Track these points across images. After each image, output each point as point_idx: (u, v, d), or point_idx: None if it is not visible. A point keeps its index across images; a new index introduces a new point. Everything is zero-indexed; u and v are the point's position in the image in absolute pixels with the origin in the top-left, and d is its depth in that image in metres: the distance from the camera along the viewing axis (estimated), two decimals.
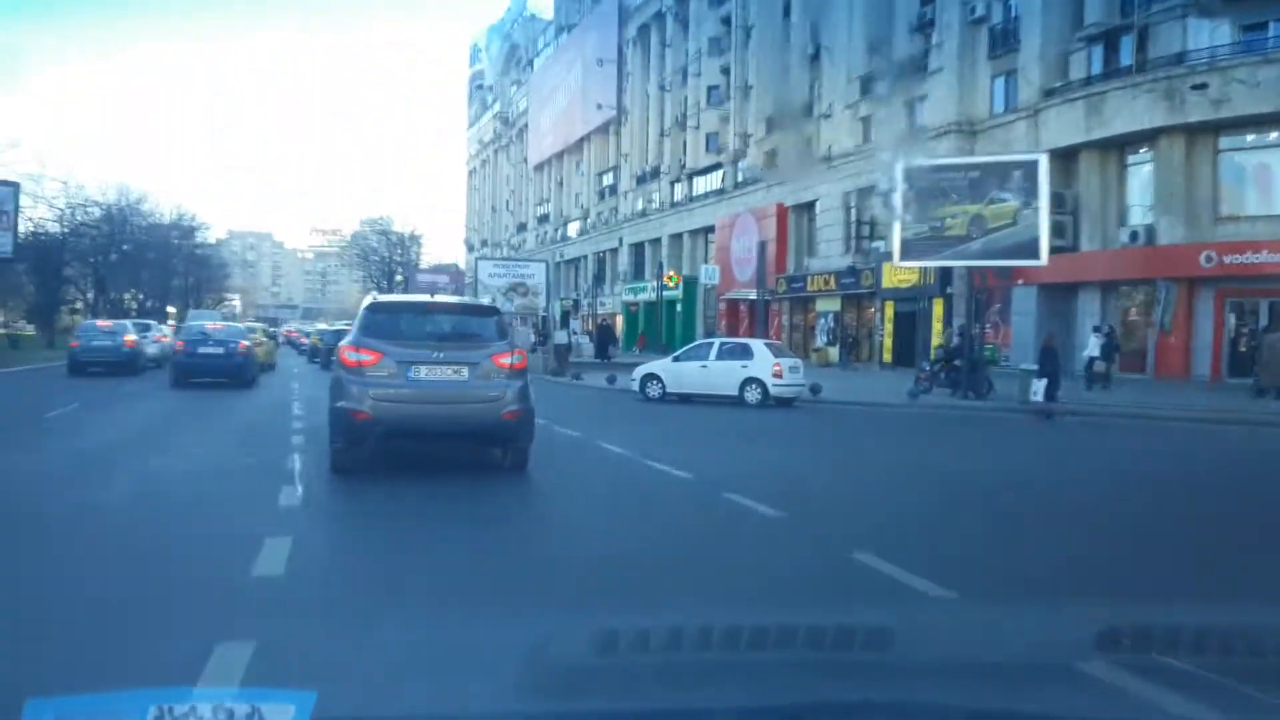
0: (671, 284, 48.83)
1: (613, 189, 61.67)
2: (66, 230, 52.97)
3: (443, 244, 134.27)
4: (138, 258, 61.34)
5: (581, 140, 66.20)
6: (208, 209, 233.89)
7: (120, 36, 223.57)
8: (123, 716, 1.90)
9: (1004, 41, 32.60)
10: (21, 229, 47.71)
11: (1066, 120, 29.18)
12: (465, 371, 9.25)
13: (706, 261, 49.42)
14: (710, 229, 48.56)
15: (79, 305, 60.92)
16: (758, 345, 20.30)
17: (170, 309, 71.43)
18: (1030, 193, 20.67)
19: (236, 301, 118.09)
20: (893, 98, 35.62)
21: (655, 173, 55.14)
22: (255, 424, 14.54)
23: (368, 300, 10.72)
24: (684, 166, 51.87)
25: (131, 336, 26.27)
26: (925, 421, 18.30)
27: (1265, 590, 5.51)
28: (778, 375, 19.23)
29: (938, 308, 33.44)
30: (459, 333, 9.79)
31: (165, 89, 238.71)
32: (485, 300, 45.42)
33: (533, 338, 34.74)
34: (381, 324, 9.61)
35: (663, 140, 54.54)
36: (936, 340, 25.50)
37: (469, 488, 9.18)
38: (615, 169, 61.24)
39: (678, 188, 52.94)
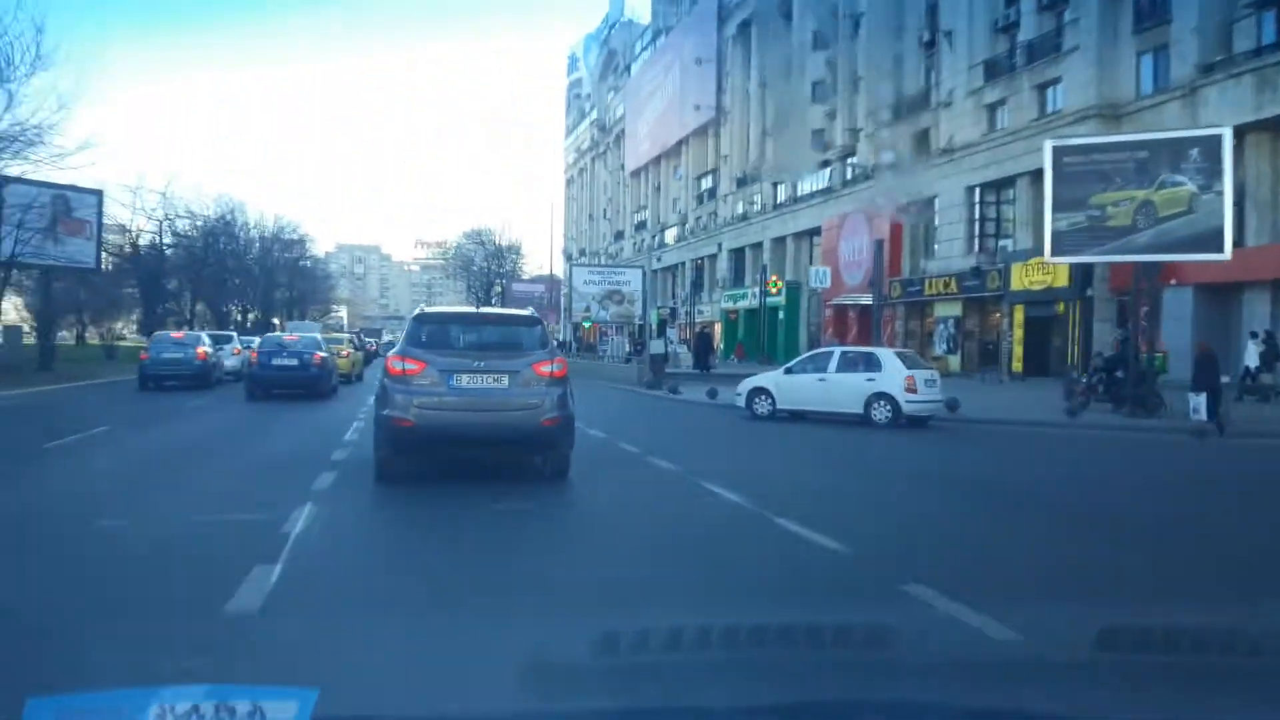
0: (774, 290, 46.14)
1: (711, 193, 59.21)
2: (166, 242, 52.96)
3: (542, 254, 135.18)
4: (236, 269, 61.11)
5: (679, 144, 63.98)
6: (318, 224, 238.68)
7: (232, 59, 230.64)
8: (124, 715, 1.90)
9: (1151, 14, 29.13)
10: (118, 240, 47.79)
11: (1231, 98, 25.62)
12: (506, 380, 9.38)
13: (812, 265, 46.59)
14: (815, 231, 45.71)
15: (187, 317, 61.32)
16: (886, 355, 17.50)
17: (276, 320, 71.54)
18: (1210, 174, 17.42)
19: (343, 313, 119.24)
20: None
21: (755, 175, 52.47)
22: (292, 451, 12.07)
23: (415, 312, 10.89)
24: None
25: (204, 349, 24.79)
26: (1099, 447, 15.29)
27: None
28: (911, 390, 16.43)
29: (1075, 312, 30.11)
30: (501, 342, 9.88)
31: (277, 110, 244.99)
32: (581, 308, 44.14)
33: (628, 347, 32.56)
34: (426, 334, 9.82)
35: (764, 140, 51.86)
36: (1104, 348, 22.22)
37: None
38: (714, 172, 58.79)
39: (780, 189, 50.20)
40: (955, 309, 36.29)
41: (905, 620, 4.67)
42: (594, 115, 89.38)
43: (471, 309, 12.81)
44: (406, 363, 9.42)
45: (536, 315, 11.23)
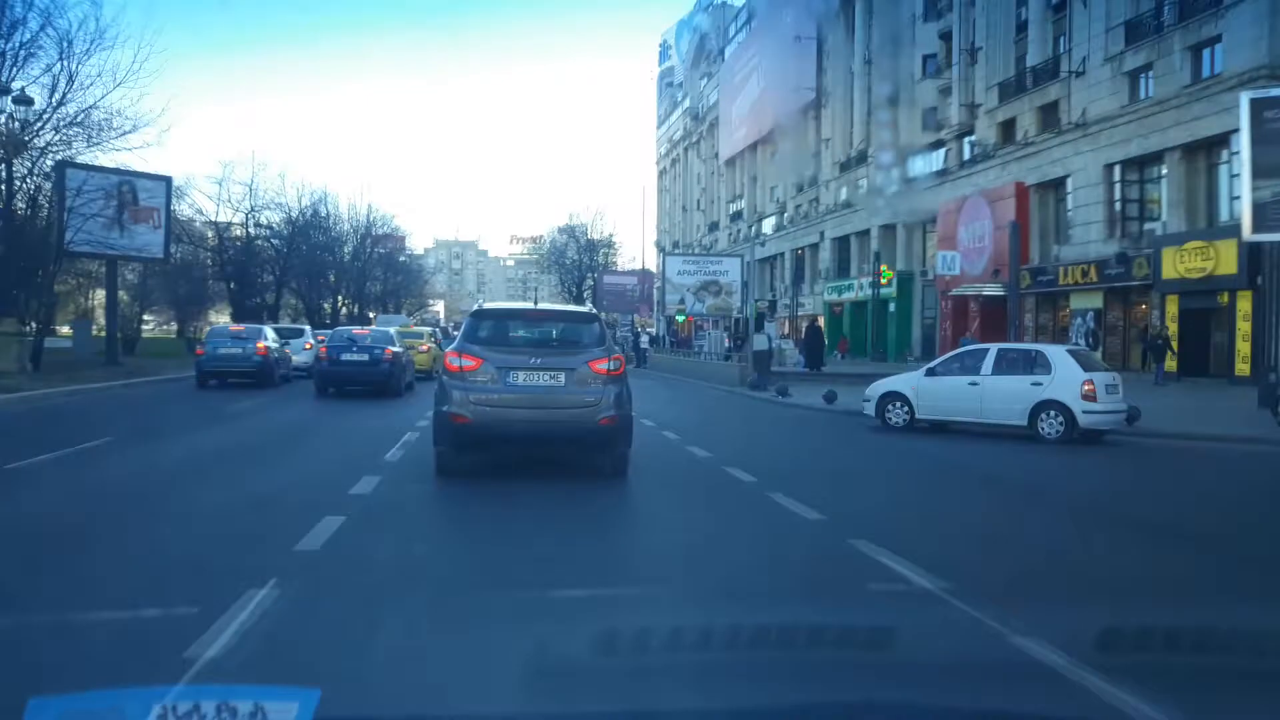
0: (884, 280, 42.76)
1: (813, 179, 55.86)
2: (252, 233, 51.90)
3: (634, 247, 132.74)
4: (328, 262, 60.02)
5: (777, 128, 60.72)
6: (417, 221, 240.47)
7: (326, 64, 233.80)
8: (126, 715, 1.88)
9: None
10: (204, 231, 46.77)
11: None
12: (562, 377, 9.29)
13: (926, 254, 43.11)
14: (929, 217, 42.14)
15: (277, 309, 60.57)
16: (1058, 353, 14.32)
17: (371, 314, 70.61)
18: None
19: (439, 307, 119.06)
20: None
21: (862, 157, 49.02)
22: (305, 485, 9.19)
23: (473, 308, 10.73)
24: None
25: (265, 343, 22.74)
26: None
27: None
28: (1090, 397, 13.31)
29: (1243, 303, 26.22)
30: (558, 339, 9.93)
31: (373, 111, 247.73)
32: (674, 301, 41.52)
33: (726, 343, 29.75)
34: (484, 331, 9.78)
35: (870, 120, 48.39)
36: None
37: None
38: (815, 156, 55.42)
39: (891, 173, 46.66)
40: (1094, 300, 32.52)
41: None
42: (686, 103, 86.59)
43: (529, 305, 12.12)
44: (464, 359, 9.35)
45: (594, 312, 10.94)
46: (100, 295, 56.37)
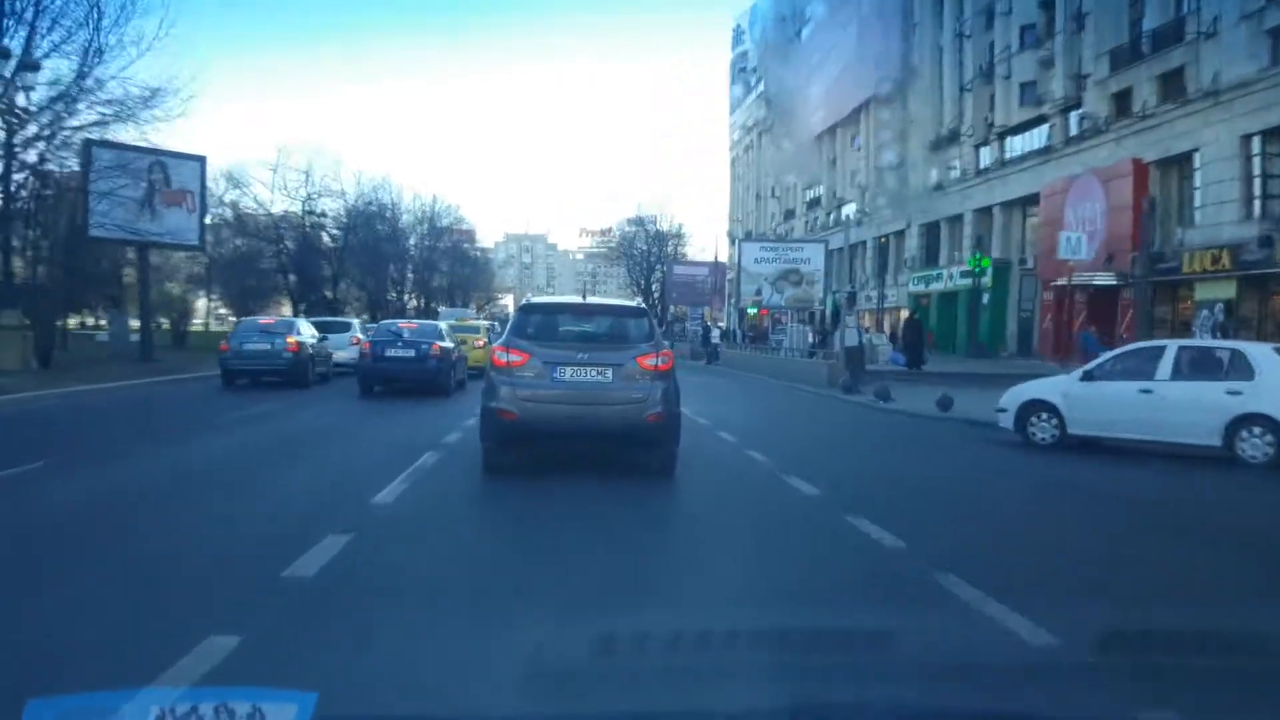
0: (978, 270, 39.33)
1: (898, 161, 52.45)
2: (308, 223, 50.33)
3: (705, 238, 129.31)
4: (390, 253, 58.27)
5: (858, 110, 57.36)
6: (487, 215, 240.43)
7: (392, 57, 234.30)
8: (124, 717, 1.86)
9: None
10: (258, 216, 45.15)
11: None
12: (609, 373, 9.21)
13: (1025, 240, 39.69)
14: (1031, 199, 38.65)
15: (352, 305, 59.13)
16: (1263, 355, 11.28)
17: (441, 308, 68.97)
18: None
19: (508, 301, 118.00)
20: None
21: (953, 136, 45.58)
22: (239, 558, 6.57)
23: (521, 302, 11.29)
24: (991, 126, 42.10)
25: (296, 338, 20.64)
26: None
27: None
28: None
29: None
30: (606, 334, 9.83)
31: (441, 105, 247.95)
32: (750, 291, 38.60)
33: (810, 338, 26.83)
34: (531, 325, 9.69)
35: (962, 98, 44.94)
36: None
37: None
38: (900, 138, 51.98)
39: (984, 152, 43.23)
40: (1225, 290, 28.89)
41: None
42: (761, 88, 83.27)
43: (577, 299, 11.67)
44: (511, 354, 9.29)
45: (643, 307, 10.75)
46: (173, 288, 55.49)
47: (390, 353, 19.34)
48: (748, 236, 77.86)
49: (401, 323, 22.02)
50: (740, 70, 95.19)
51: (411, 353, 19.26)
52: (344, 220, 50.53)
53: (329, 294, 57.13)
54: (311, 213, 47.29)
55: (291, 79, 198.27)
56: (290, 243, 47.22)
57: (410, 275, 75.16)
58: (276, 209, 45.87)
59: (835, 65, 60.45)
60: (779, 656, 3.71)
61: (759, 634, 4.04)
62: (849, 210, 60.09)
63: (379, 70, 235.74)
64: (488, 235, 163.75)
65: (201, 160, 28.25)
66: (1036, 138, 38.98)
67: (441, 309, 57.89)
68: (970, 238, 42.44)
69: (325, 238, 50.20)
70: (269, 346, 20.08)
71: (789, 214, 72.97)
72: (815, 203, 66.71)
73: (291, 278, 49.29)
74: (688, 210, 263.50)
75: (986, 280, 39.81)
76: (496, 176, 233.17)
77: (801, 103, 67.27)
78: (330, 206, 49.80)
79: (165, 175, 25.79)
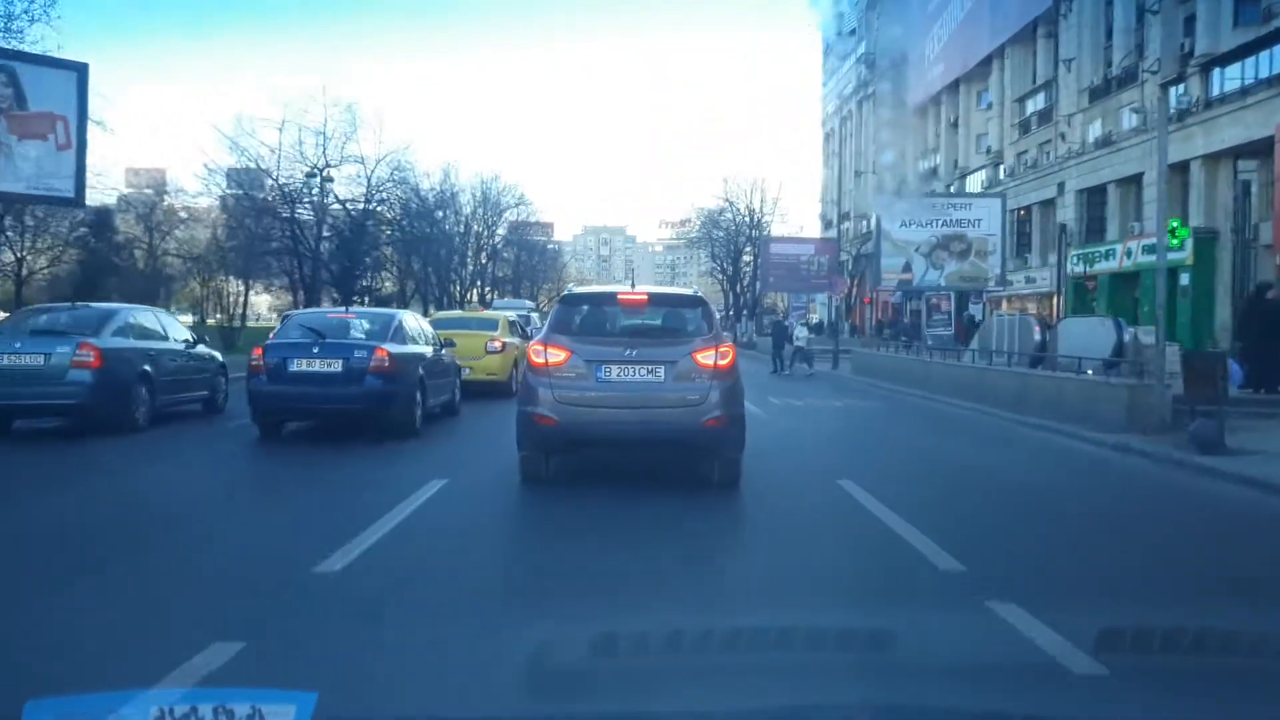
0: (1175, 242, 29.65)
1: (1045, 115, 42.78)
2: (360, 213, 43.09)
3: (794, 223, 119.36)
4: (424, 235, 50.39)
5: (989, 59, 47.75)
6: (565, 209, 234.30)
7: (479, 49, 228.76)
8: (123, 718, 1.83)
9: None
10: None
11: None
12: (661, 371, 8.42)
13: (1249, 205, 29.94)
14: (1252, 148, 28.91)
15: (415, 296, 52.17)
16: None
17: (497, 300, 61.17)
18: None
19: None
20: None
21: (1130, 76, 35.80)
22: None
23: (563, 292, 9.90)
24: (1189, 56, 32.34)
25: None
26: None
27: None
28: None
29: None
30: (658, 327, 9.28)
31: (517, 96, 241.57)
32: (894, 266, 29.35)
33: (1037, 335, 17.58)
34: (573, 318, 8.97)
35: (1141, 24, 35.20)
36: None
37: None
38: (1048, 86, 42.32)
39: (1175, 92, 33.40)
40: None
41: None
42: (861, 49, 73.60)
43: (625, 288, 9.79)
44: (549, 351, 8.48)
45: (699, 294, 9.38)
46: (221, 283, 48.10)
47: (297, 366, 11.54)
48: (844, 219, 67.91)
49: (332, 313, 13.87)
50: (837, 34, 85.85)
51: (334, 366, 11.50)
52: (364, 194, 42.38)
53: (370, 282, 49.66)
54: (329, 180, 39.29)
55: (346, 56, 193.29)
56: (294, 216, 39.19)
57: (470, 263, 67.32)
58: (285, 176, 38.24)
59: (959, 8, 50.96)
60: None
61: None
62: (974, 181, 50.64)
63: (454, 59, 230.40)
64: (567, 230, 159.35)
65: (79, 71, 18.73)
66: (1261, 64, 29.18)
67: (495, 301, 49.72)
68: (1153, 201, 32.71)
69: (340, 212, 42.28)
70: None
71: (898, 189, 63.30)
72: (932, 173, 57.07)
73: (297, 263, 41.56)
74: (775, 197, 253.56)
75: (1185, 255, 30.17)
76: (575, 170, 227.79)
77: (916, 58, 57.65)
78: (346, 176, 41.67)
79: (17, 91, 17.37)
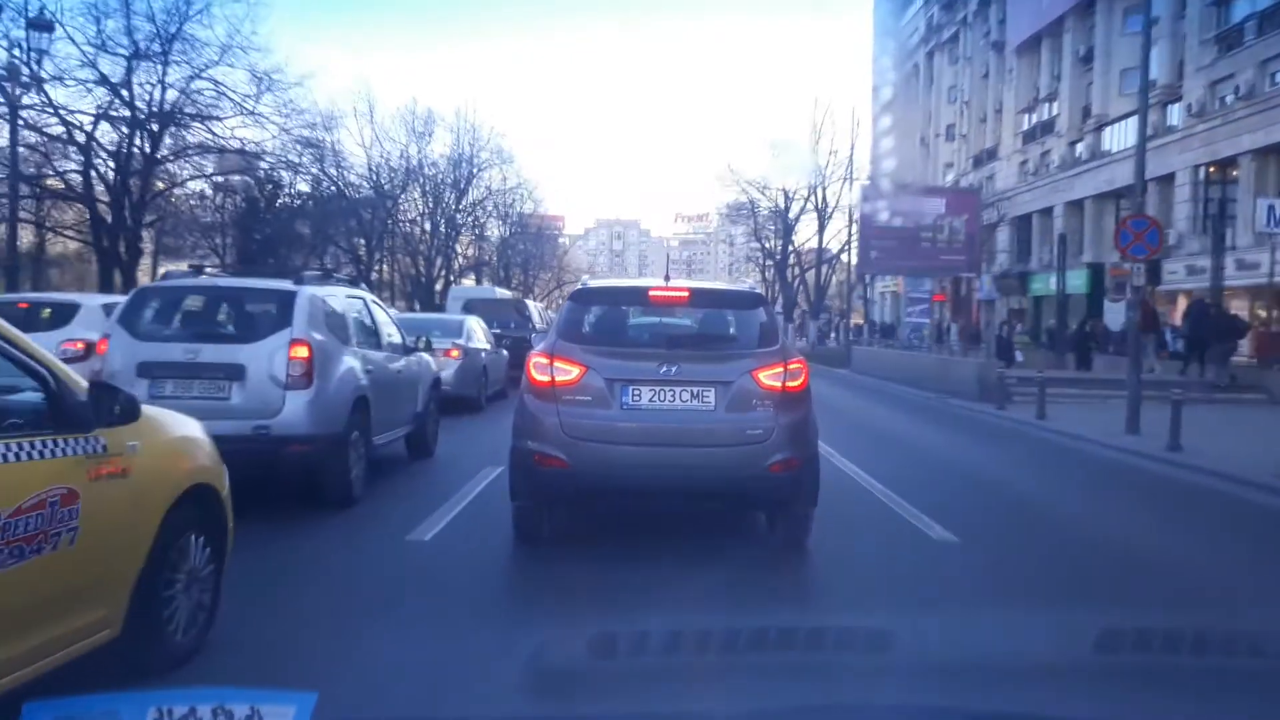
0: None
1: (1242, 30, 28.71)
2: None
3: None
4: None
5: None
6: (577, 201, 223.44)
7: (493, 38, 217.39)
8: (122, 718, 1.86)
9: None
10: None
11: None
12: (711, 396, 5.88)
13: None
14: None
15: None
16: None
17: (454, 287, 46.93)
18: None
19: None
20: None
21: None
22: None
23: (575, 288, 7.06)
24: None
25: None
26: None
27: None
28: None
29: None
30: (705, 334, 6.58)
31: (530, 84, 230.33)
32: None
33: None
34: (589, 322, 6.40)
35: None
36: None
37: None
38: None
39: None
40: None
41: None
42: None
43: (656, 282, 6.66)
44: (557, 365, 5.91)
45: (757, 292, 6.81)
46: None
47: None
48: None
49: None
50: None
51: None
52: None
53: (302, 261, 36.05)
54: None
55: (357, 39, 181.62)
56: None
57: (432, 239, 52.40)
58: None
59: None
60: None
61: None
62: (1111, 136, 36.62)
63: (462, 51, 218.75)
64: (578, 224, 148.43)
65: None
66: None
67: (452, 289, 35.36)
68: None
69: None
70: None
71: (988, 154, 49.08)
72: (1040, 130, 42.94)
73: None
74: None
75: None
76: (586, 164, 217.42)
77: None
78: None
79: None
